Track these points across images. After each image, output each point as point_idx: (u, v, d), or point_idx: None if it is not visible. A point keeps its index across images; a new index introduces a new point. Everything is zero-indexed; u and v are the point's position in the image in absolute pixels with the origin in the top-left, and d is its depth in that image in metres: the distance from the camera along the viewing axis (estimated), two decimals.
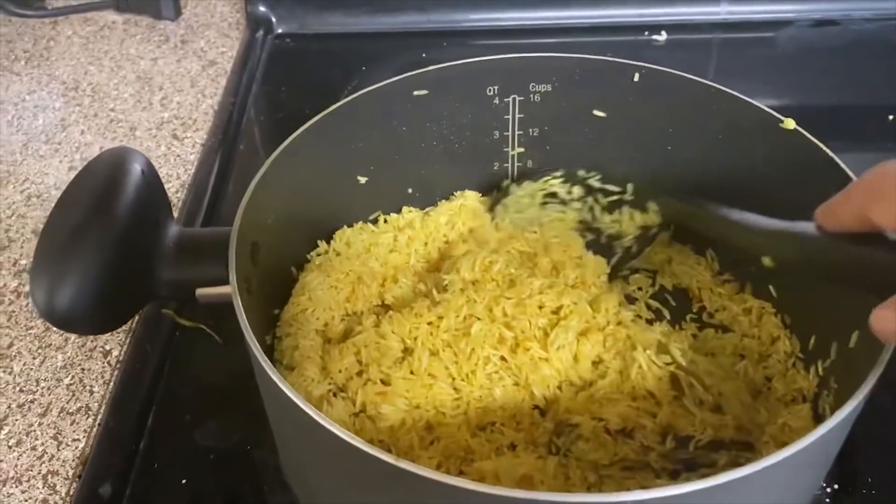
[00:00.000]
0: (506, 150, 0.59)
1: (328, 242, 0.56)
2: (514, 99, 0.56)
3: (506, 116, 0.57)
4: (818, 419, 0.45)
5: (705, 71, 0.82)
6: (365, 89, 0.53)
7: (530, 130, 0.58)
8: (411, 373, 0.47)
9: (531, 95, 0.56)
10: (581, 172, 0.56)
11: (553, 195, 0.56)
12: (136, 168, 0.43)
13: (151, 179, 0.44)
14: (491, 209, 0.58)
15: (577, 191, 0.56)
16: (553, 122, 0.57)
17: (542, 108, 0.57)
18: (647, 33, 0.86)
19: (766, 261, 0.43)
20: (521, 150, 0.59)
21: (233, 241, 0.41)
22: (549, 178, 0.56)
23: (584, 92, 0.56)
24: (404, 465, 0.31)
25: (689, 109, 0.53)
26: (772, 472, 0.32)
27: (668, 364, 0.47)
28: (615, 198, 0.55)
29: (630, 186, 0.54)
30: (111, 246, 0.40)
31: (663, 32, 0.86)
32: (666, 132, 0.55)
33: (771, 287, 0.53)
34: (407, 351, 0.48)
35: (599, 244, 0.55)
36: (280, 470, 0.48)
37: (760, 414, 0.46)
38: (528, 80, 0.56)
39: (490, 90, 0.56)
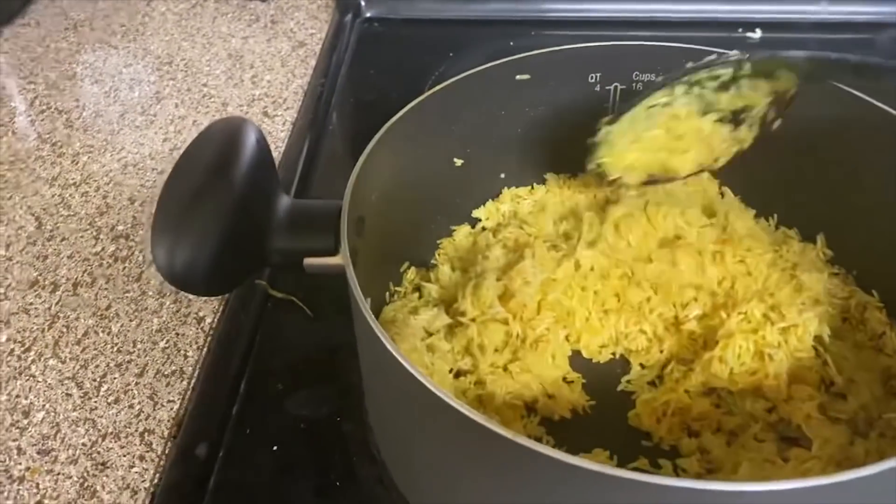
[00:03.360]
0: None
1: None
2: (615, 87, 0.56)
3: (605, 104, 0.57)
4: None
5: None
6: (468, 72, 0.53)
7: None
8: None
9: (633, 84, 0.55)
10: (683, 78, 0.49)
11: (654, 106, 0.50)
12: (252, 137, 0.44)
13: (264, 148, 0.45)
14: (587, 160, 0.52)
15: (680, 88, 0.49)
16: None
17: None
18: (741, 30, 0.84)
19: None
20: None
21: (344, 211, 0.42)
22: (645, 99, 0.49)
23: None
24: (523, 440, 0.31)
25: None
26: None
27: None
28: (727, 79, 0.48)
29: (747, 65, 0.48)
30: (229, 211, 0.40)
31: (758, 30, 0.84)
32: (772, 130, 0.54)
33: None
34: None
35: (727, 122, 0.49)
36: (369, 443, 0.49)
37: (890, 406, 0.45)
38: (632, 69, 0.55)
39: (592, 77, 0.55)
